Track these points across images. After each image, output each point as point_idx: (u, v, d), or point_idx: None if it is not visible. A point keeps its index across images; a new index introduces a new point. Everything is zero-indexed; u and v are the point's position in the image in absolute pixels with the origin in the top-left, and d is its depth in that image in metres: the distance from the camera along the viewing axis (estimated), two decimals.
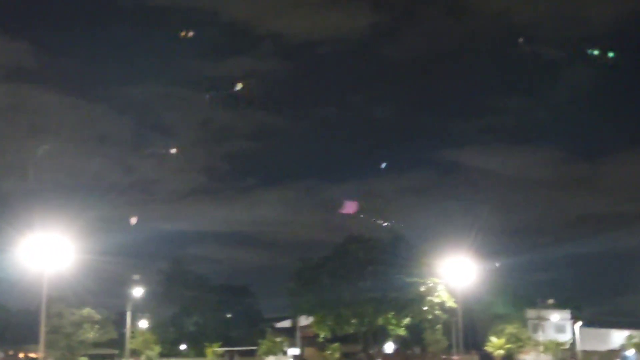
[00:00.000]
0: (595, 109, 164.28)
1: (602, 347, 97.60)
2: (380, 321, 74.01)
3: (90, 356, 79.52)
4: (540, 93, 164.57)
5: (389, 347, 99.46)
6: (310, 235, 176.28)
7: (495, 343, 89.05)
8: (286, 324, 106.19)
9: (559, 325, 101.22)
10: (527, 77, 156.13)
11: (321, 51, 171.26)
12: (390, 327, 75.77)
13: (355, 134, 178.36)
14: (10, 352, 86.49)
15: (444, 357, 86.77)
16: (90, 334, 73.97)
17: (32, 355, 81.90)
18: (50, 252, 44.07)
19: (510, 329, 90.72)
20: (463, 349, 75.20)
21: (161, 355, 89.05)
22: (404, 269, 70.96)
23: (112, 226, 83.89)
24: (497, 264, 73.58)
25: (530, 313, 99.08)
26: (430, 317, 72.29)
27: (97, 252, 63.06)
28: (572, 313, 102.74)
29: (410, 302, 71.46)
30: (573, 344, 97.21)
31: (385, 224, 77.30)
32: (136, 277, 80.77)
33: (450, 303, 68.88)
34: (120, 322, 79.55)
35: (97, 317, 74.76)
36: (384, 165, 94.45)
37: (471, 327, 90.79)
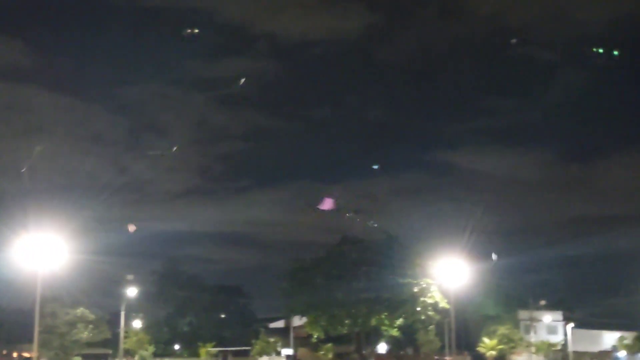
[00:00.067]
0: (588, 111, 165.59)
1: (594, 349, 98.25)
2: (373, 322, 74.04)
3: (84, 356, 79.58)
4: (533, 95, 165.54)
5: (382, 348, 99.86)
6: (304, 236, 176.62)
7: (487, 344, 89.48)
8: (280, 324, 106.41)
9: (550, 327, 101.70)
10: (520, 79, 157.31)
11: (316, 52, 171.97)
12: (384, 327, 75.85)
13: (350, 134, 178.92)
14: (4, 352, 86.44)
15: (436, 357, 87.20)
16: (84, 334, 73.98)
17: (25, 354, 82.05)
18: (44, 251, 44.30)
19: (502, 330, 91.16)
20: (456, 349, 75.59)
21: (155, 355, 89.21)
22: (397, 269, 71.08)
23: (106, 226, 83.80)
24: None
25: (523, 314, 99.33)
26: (423, 317, 72.32)
27: (91, 252, 63.27)
28: (564, 314, 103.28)
29: (403, 302, 71.50)
30: (565, 345, 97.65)
31: (378, 225, 77.42)
32: (130, 277, 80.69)
33: (443, 304, 69.09)
34: (114, 322, 79.41)
35: (91, 317, 74.76)
36: (376, 166, 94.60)
37: (464, 328, 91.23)
